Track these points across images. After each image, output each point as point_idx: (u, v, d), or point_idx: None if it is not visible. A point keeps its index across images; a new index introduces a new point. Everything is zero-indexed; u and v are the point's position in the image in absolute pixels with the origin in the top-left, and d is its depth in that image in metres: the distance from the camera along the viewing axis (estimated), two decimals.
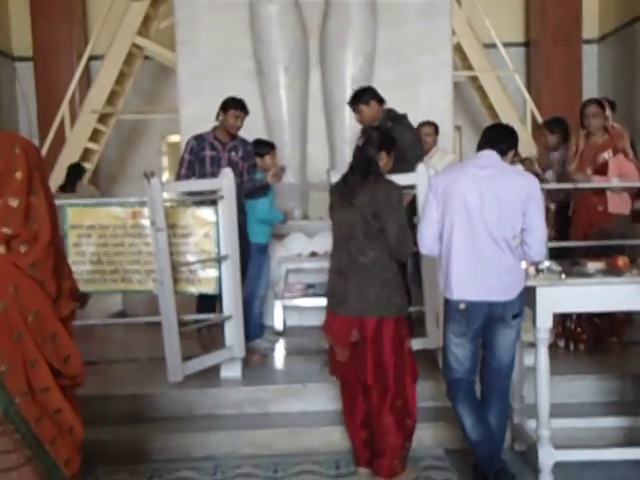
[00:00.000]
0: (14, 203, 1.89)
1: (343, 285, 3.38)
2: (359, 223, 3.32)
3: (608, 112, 4.85)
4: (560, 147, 5.41)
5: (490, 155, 3.32)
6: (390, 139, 3.51)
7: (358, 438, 3.56)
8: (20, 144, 1.94)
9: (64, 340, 1.98)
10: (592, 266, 3.55)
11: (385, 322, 3.32)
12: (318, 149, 6.28)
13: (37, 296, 1.91)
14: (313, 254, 5.83)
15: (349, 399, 3.56)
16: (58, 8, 9.27)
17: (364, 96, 4.75)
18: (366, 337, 3.33)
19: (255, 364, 4.69)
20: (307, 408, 4.19)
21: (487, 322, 3.30)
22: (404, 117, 4.84)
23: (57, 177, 8.33)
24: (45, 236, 1.95)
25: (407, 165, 4.29)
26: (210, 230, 4.32)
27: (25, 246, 1.89)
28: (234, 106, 4.78)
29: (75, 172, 7.66)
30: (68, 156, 8.44)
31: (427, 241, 3.33)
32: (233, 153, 4.82)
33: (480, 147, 3.40)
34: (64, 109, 8.48)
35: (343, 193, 3.40)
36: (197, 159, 4.76)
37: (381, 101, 4.78)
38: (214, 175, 4.56)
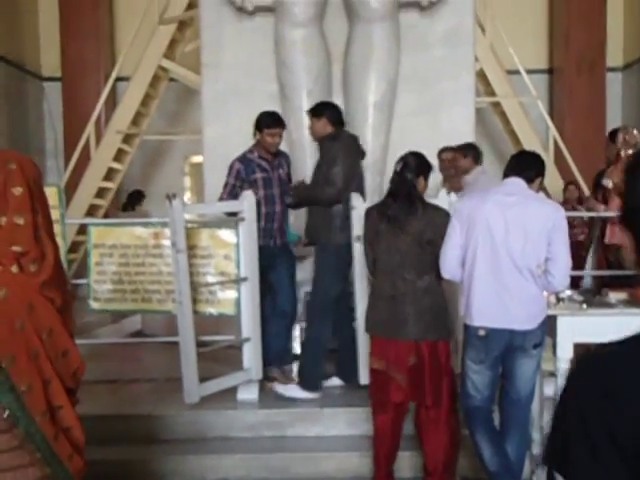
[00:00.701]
0: (20, 220, 1.88)
1: (399, 311, 3.42)
2: (413, 249, 3.38)
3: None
4: (472, 170, 5.49)
5: (517, 182, 3.31)
6: (426, 163, 3.58)
7: (387, 463, 3.54)
8: (16, 160, 1.92)
9: (71, 351, 1.97)
10: (614, 296, 3.51)
11: (440, 344, 3.41)
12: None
13: (50, 314, 1.91)
14: None
15: (385, 424, 3.53)
16: (87, 30, 9.47)
17: (319, 109, 4.64)
18: (423, 360, 3.38)
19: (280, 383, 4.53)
20: (324, 433, 4.16)
21: (507, 351, 3.27)
22: (349, 139, 4.59)
23: (81, 196, 8.45)
24: (52, 253, 1.95)
25: (315, 189, 4.42)
26: (230, 252, 4.34)
27: (35, 265, 1.89)
28: (268, 125, 4.58)
29: (136, 197, 9.18)
30: (92, 175, 8.56)
31: (449, 265, 3.33)
32: (280, 170, 4.75)
33: (506, 174, 3.39)
34: (90, 129, 8.61)
35: (391, 219, 3.44)
36: (247, 182, 4.57)
37: (335, 122, 4.56)
38: (267, 197, 4.56)
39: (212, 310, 4.37)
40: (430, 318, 3.39)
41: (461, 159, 5.59)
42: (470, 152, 5.56)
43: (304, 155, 6.14)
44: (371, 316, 3.58)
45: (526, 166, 3.37)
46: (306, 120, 6.10)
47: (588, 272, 5.02)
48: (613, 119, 9.91)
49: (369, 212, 3.62)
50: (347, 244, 4.26)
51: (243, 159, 4.63)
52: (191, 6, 8.61)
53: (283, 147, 6.02)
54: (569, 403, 0.97)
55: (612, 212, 4.85)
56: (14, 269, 1.86)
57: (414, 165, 3.49)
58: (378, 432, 3.55)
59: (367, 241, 3.60)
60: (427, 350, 3.39)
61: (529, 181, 3.33)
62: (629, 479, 0.91)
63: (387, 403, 3.51)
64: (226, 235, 4.37)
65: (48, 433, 1.87)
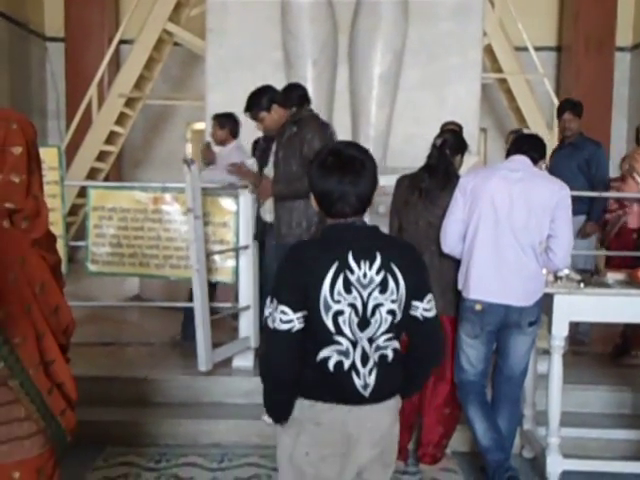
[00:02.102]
0: (16, 179, 1.89)
1: None
2: (441, 223, 3.38)
3: None
4: (227, 142, 5.22)
5: (522, 160, 3.30)
6: (463, 142, 3.62)
7: (406, 432, 3.56)
8: (17, 120, 1.93)
9: (62, 308, 1.98)
10: (611, 276, 3.52)
11: (455, 320, 3.42)
12: None
13: (41, 269, 1.92)
14: None
15: None
16: None
17: (262, 101, 4.07)
18: (446, 335, 3.38)
19: None
20: None
21: (502, 327, 3.28)
22: (312, 120, 4.02)
23: (82, 158, 8.41)
24: (45, 213, 1.96)
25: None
26: (230, 220, 4.33)
27: (27, 222, 1.90)
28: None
29: None
30: (94, 138, 8.51)
31: (450, 240, 3.33)
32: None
33: (510, 153, 3.38)
34: (92, 91, 8.53)
35: (423, 192, 3.45)
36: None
37: (285, 102, 4.06)
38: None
39: (210, 278, 4.37)
40: (452, 294, 3.41)
41: (217, 130, 5.22)
42: (226, 123, 5.18)
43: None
44: None
45: (531, 147, 3.36)
46: (310, 90, 6.09)
47: (587, 253, 5.02)
48: (620, 99, 9.83)
49: (400, 182, 3.62)
50: None
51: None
52: None
53: None
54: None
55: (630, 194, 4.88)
56: (5, 224, 1.87)
57: (453, 142, 3.52)
58: None
59: (395, 209, 3.60)
60: (450, 325, 3.42)
61: (533, 162, 3.32)
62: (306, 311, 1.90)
63: None
64: (226, 203, 4.36)
65: (42, 387, 1.89)
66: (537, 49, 8.83)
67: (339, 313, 1.87)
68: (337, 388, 1.90)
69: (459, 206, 3.29)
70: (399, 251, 1.98)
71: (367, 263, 1.90)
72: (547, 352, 3.48)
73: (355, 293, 1.88)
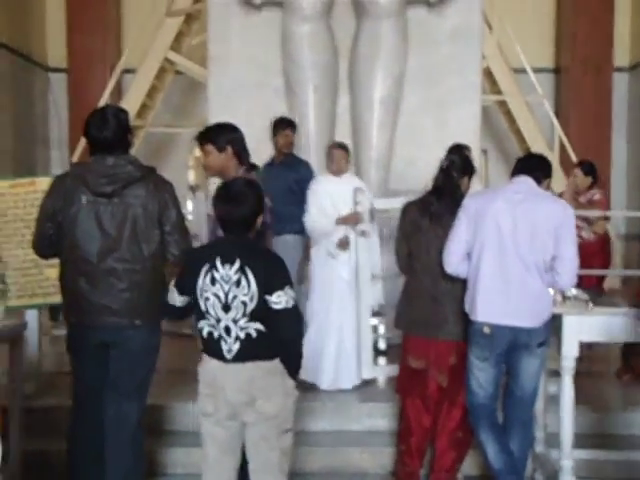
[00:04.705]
0: None
1: (439, 310, 3.43)
2: None
3: None
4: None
5: (526, 181, 3.31)
6: (470, 164, 3.61)
7: (419, 456, 3.55)
8: None
9: None
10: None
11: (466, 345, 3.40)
12: None
13: None
14: None
15: (417, 418, 3.54)
16: (93, 21, 9.44)
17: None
18: (462, 359, 3.38)
19: None
20: (327, 427, 4.16)
21: (511, 348, 3.27)
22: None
23: None
24: None
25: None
26: None
27: None
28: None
29: None
30: None
31: (453, 260, 3.32)
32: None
33: (514, 173, 3.39)
34: None
35: (434, 216, 3.44)
36: None
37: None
38: None
39: None
40: (465, 318, 3.37)
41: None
42: None
43: (308, 152, 6.12)
44: (407, 314, 3.55)
45: (534, 167, 3.37)
46: (311, 115, 6.14)
47: (594, 272, 5.02)
48: (619, 120, 9.89)
49: (408, 207, 3.59)
50: None
51: None
52: None
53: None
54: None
55: None
56: None
57: (460, 164, 3.50)
58: (411, 423, 3.53)
59: (403, 236, 3.57)
60: (463, 350, 3.39)
61: (537, 182, 3.33)
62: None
63: (422, 398, 3.52)
64: None
65: None
66: (535, 71, 8.91)
67: (207, 299, 2.65)
68: (211, 349, 2.70)
69: (462, 227, 3.29)
70: (255, 257, 2.66)
71: (227, 266, 2.62)
72: (557, 373, 3.45)
73: (218, 286, 2.63)
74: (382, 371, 4.80)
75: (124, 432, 3.09)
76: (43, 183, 4.10)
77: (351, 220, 4.57)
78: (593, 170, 5.68)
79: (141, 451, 3.20)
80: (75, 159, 8.45)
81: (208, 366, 2.72)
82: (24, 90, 9.46)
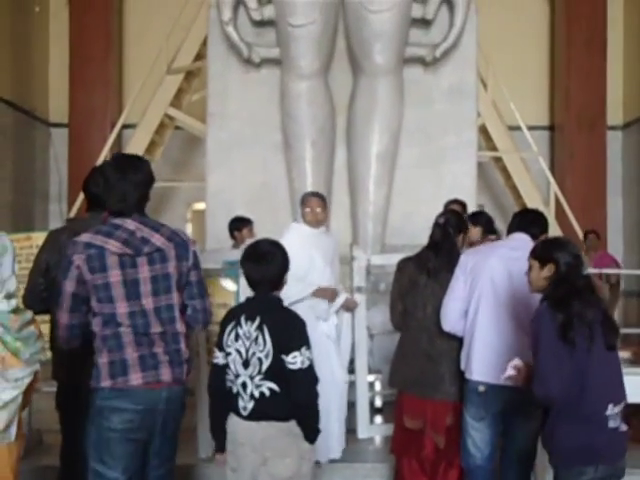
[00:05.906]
0: None
1: (436, 369, 3.39)
2: None
3: None
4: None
5: (522, 238, 3.30)
6: (464, 222, 3.65)
7: None
8: None
9: None
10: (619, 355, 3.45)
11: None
12: (341, 223, 6.30)
13: None
14: None
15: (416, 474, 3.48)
16: (95, 78, 9.63)
17: (99, 181, 2.86)
18: (458, 419, 3.33)
19: None
20: None
21: (508, 409, 3.21)
22: None
23: None
24: None
25: None
26: (230, 300, 4.31)
27: None
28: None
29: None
30: None
31: (451, 318, 3.29)
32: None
33: (510, 231, 3.39)
34: None
35: (432, 273, 3.42)
36: None
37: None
38: None
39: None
40: (461, 379, 3.33)
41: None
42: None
43: None
44: (402, 372, 3.51)
45: (530, 223, 3.37)
46: (309, 170, 6.18)
47: None
48: (613, 177, 9.99)
49: (403, 265, 3.58)
50: None
51: None
52: (199, 57, 8.78)
53: (285, 197, 6.04)
54: None
55: None
56: None
57: (455, 221, 3.52)
58: None
59: (399, 293, 3.55)
60: (459, 411, 3.33)
61: (534, 237, 3.32)
62: None
63: (418, 459, 3.45)
64: (227, 284, 4.36)
65: None
66: (530, 128, 9.04)
67: (229, 354, 2.73)
68: (231, 404, 2.75)
69: (459, 284, 3.28)
70: (274, 316, 2.71)
71: (249, 323, 2.69)
72: None
73: (240, 342, 2.71)
74: (379, 430, 4.69)
75: None
76: (39, 238, 4.10)
77: (328, 296, 4.02)
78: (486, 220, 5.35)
79: None
80: (73, 213, 8.48)
81: (231, 421, 2.77)
82: (26, 145, 9.57)
